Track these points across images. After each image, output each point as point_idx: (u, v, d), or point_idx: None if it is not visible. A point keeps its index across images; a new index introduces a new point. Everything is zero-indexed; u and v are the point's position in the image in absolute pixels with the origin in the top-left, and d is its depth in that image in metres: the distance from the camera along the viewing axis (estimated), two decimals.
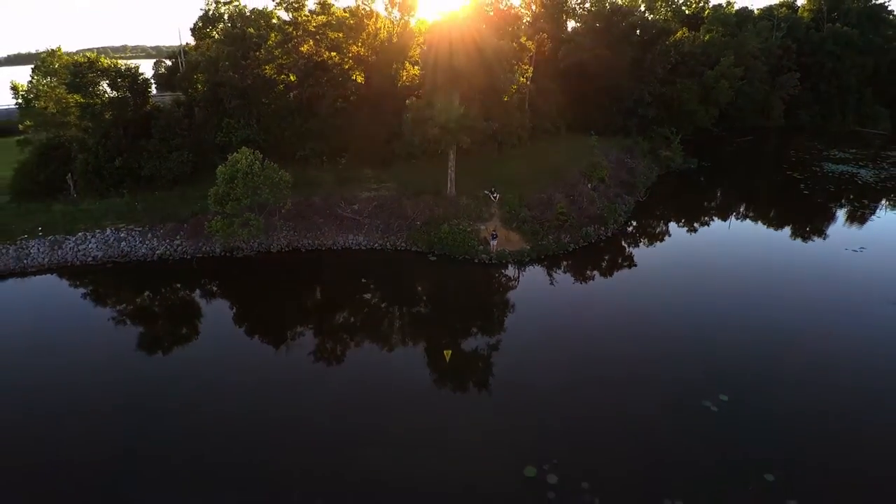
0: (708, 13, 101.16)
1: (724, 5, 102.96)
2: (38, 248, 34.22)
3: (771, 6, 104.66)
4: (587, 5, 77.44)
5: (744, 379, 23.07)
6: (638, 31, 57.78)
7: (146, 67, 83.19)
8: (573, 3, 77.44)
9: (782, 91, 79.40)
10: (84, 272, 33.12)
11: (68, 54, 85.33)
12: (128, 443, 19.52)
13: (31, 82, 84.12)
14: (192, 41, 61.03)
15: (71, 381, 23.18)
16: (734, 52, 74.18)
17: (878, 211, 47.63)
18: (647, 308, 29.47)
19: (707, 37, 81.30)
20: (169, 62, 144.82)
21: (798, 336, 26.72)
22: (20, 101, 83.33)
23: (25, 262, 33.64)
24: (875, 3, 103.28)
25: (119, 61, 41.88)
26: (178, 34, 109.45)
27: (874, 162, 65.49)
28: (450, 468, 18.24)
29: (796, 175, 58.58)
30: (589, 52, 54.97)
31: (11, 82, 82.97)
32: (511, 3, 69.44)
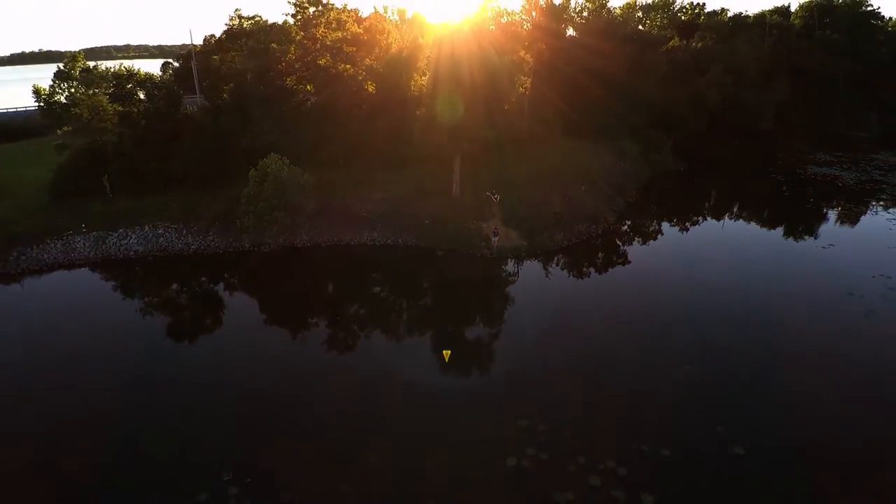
0: (703, 20, 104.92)
1: (719, 12, 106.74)
2: (84, 244, 37.98)
3: (763, 13, 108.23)
4: (585, 14, 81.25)
5: (713, 351, 26.90)
6: (631, 42, 61.32)
7: (152, 67, 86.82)
8: (572, 11, 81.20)
9: (773, 96, 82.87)
10: (127, 265, 36.89)
11: (77, 52, 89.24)
12: (166, 402, 23.37)
13: (52, 86, 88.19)
14: (198, 41, 64.11)
15: (119, 357, 26.87)
16: (726, 59, 77.85)
17: (851, 211, 51.28)
18: (631, 295, 33.34)
19: (700, 44, 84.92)
20: (176, 64, 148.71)
21: (764, 319, 30.42)
22: (41, 103, 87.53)
23: (72, 255, 37.39)
24: (865, 11, 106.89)
25: (154, 73, 45.44)
26: (190, 35, 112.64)
27: (857, 165, 69.08)
28: (459, 418, 21.95)
29: (780, 178, 62.25)
30: (584, 63, 58.57)
31: (34, 86, 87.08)
32: (512, 18, 73.34)
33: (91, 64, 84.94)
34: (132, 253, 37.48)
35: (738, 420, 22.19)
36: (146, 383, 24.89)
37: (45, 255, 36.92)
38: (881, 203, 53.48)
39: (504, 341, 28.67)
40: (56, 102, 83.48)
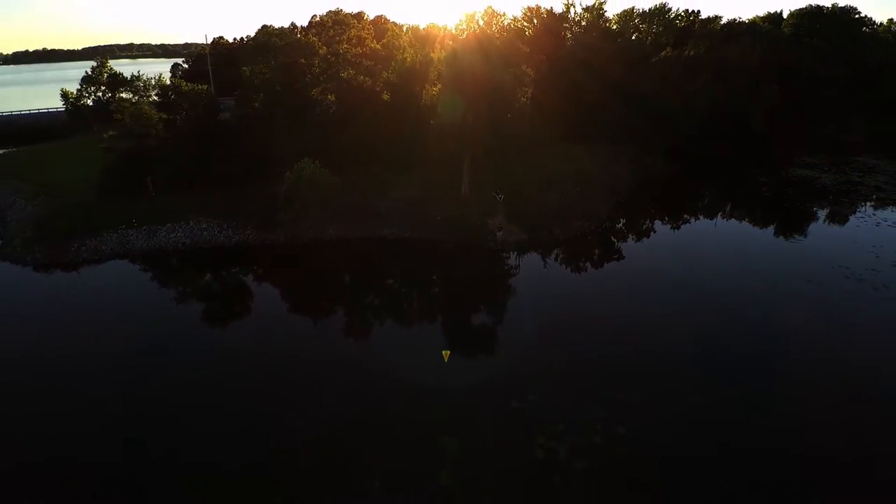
0: (698, 27, 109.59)
1: (712, 19, 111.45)
2: (137, 236, 43.05)
3: (755, 20, 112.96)
4: (583, 23, 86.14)
5: (675, 319, 32.01)
6: (624, 54, 66.23)
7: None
8: (571, 21, 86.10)
9: (761, 102, 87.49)
10: (176, 255, 41.95)
11: (103, 59, 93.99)
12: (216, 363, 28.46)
13: (79, 90, 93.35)
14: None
15: (174, 332, 32.05)
16: (716, 66, 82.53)
17: (823, 209, 56.20)
18: (620, 280, 38.69)
19: (692, 52, 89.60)
20: (186, 65, 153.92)
21: (731, 301, 35.43)
22: (69, 106, 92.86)
23: (127, 247, 42.44)
24: (854, 18, 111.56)
25: (198, 87, 50.27)
26: (206, 38, 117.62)
27: (838, 167, 73.84)
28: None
29: (763, 179, 67.10)
30: (581, 72, 63.52)
31: (62, 90, 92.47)
32: (514, 25, 78.05)
33: (114, 67, 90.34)
34: (180, 245, 42.54)
35: (693, 377, 27.24)
36: (204, 354, 30.05)
37: (104, 247, 42.00)
38: (852, 202, 58.36)
39: (508, 318, 33.86)
40: (84, 106, 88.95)
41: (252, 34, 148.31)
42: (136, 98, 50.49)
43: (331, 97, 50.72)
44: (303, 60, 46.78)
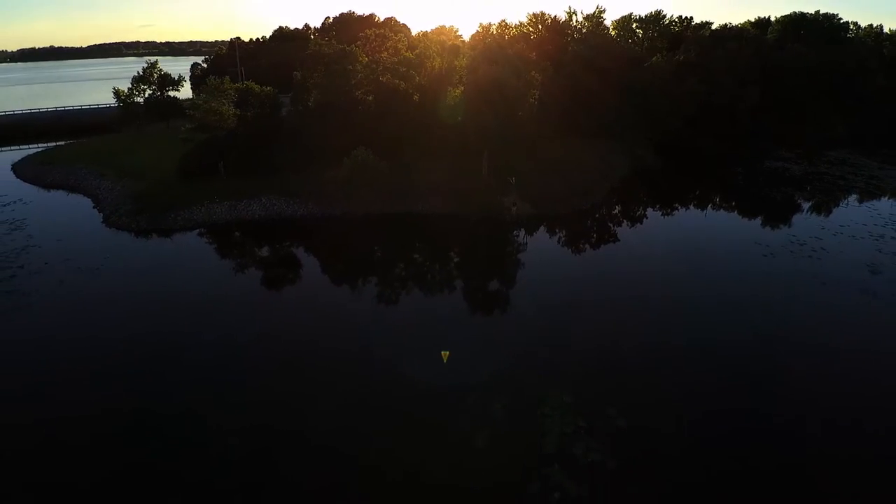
0: (690, 32, 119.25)
1: (703, 25, 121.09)
2: (220, 209, 53.26)
3: (743, 25, 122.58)
4: (584, 31, 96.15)
5: (645, 277, 42.02)
6: (619, 60, 76.20)
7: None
8: (573, 29, 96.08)
9: (745, 102, 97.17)
10: (254, 225, 52.17)
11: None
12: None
13: (130, 88, 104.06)
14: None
15: (247, 289, 42.32)
16: (704, 70, 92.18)
17: (786, 194, 66.19)
18: (610, 245, 48.67)
19: (682, 57, 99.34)
20: (204, 65, 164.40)
21: (695, 251, 45.63)
22: (121, 103, 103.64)
23: (213, 217, 52.64)
24: (835, 24, 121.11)
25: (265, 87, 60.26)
26: (236, 47, 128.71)
27: (810, 160, 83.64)
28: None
29: (740, 170, 77.09)
30: (581, 75, 73.50)
31: (114, 88, 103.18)
32: (521, 31, 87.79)
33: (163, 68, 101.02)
34: (256, 216, 52.79)
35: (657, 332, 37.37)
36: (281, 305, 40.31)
37: (195, 217, 52.28)
38: (812, 189, 68.41)
39: (521, 274, 44.04)
40: (134, 103, 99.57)
41: (267, 35, 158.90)
42: (205, 97, 60.08)
43: (370, 98, 60.72)
44: (350, 67, 56.81)
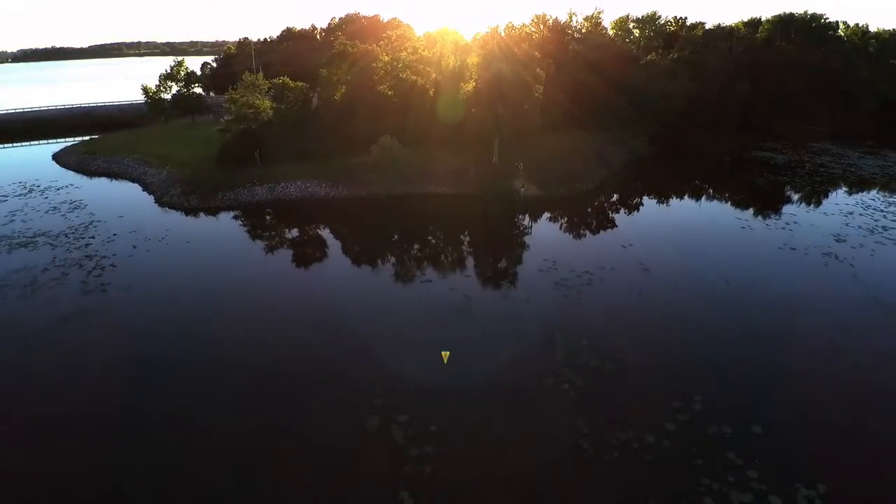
0: (685, 31, 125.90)
1: (696, 25, 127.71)
2: (261, 191, 59.80)
3: (735, 25, 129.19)
4: (583, 31, 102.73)
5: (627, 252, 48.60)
6: (617, 58, 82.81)
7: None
8: (573, 29, 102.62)
9: (734, 97, 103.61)
10: (291, 203, 58.69)
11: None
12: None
13: (157, 85, 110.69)
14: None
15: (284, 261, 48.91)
16: (696, 67, 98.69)
17: (766, 178, 72.79)
18: (607, 224, 55.29)
19: (676, 55, 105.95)
20: (214, 64, 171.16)
21: (679, 227, 52.19)
22: (149, 99, 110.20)
23: (255, 197, 59.19)
24: (821, 23, 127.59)
25: (298, 83, 66.75)
26: (252, 48, 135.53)
27: (794, 151, 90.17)
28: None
29: (727, 159, 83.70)
30: (581, 72, 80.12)
31: (142, 86, 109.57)
32: (524, 31, 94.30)
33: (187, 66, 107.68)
34: (293, 196, 59.37)
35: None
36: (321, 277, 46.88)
37: (240, 197, 58.85)
38: (792, 174, 75.05)
39: (528, 248, 50.65)
40: (162, 100, 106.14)
41: (275, 35, 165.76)
42: (241, 92, 66.00)
43: (391, 92, 67.26)
44: (374, 64, 63.32)
